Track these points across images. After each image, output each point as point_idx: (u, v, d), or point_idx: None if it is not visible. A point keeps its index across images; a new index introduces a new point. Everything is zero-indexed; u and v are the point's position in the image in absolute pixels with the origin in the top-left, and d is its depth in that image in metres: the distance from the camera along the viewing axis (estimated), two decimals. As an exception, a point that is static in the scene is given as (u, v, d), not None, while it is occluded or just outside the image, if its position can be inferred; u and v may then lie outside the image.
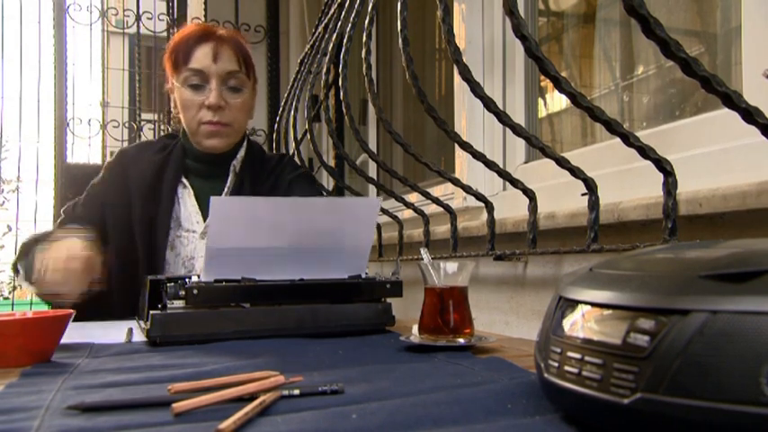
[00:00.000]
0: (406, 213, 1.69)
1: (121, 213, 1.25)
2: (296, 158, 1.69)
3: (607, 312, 0.39)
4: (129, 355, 0.74)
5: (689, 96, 1.12)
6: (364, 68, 1.24)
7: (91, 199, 1.29)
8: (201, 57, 1.24)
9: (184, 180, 1.30)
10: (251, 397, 0.49)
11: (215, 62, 1.24)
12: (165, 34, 3.02)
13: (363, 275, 0.94)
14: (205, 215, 1.27)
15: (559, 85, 0.80)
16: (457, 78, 1.60)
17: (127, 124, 3.35)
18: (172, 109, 1.34)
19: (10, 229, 3.79)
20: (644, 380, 0.34)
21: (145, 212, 1.24)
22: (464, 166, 1.50)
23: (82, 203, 1.29)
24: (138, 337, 0.89)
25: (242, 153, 1.34)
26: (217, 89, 1.24)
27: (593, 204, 0.91)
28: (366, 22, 1.24)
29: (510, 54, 1.49)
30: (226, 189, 1.31)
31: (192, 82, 1.24)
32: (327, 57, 1.51)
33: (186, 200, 1.29)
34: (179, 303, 0.84)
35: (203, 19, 2.83)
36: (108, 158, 3.70)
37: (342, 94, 1.36)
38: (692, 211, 0.80)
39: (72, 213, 1.28)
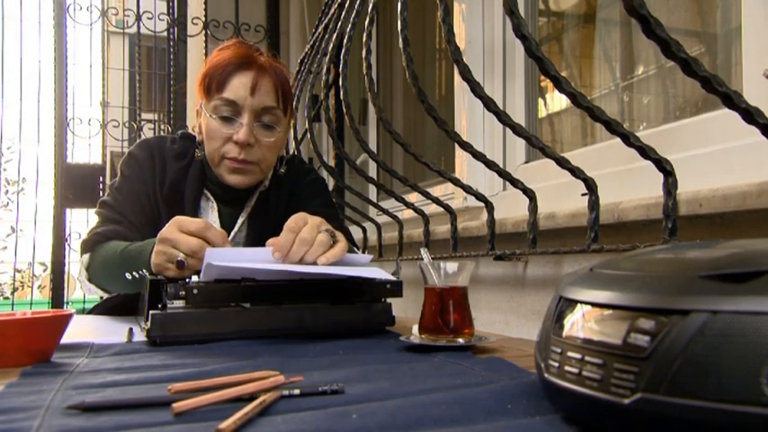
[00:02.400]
0: (406, 213, 1.69)
1: (150, 213, 1.20)
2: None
3: (607, 312, 0.39)
4: (129, 355, 0.74)
5: (689, 97, 1.12)
6: (364, 68, 1.24)
7: (128, 192, 1.21)
8: (237, 86, 1.14)
9: (207, 192, 1.25)
10: (251, 397, 0.49)
11: (252, 95, 1.14)
12: (165, 34, 3.02)
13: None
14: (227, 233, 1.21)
15: (559, 84, 0.80)
16: (457, 78, 1.60)
17: (127, 124, 3.36)
18: (196, 133, 1.25)
19: (13, 231, 3.79)
20: (644, 380, 0.34)
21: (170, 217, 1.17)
22: (464, 166, 1.50)
23: (123, 196, 1.21)
24: (139, 337, 0.89)
25: (267, 182, 1.28)
26: (248, 125, 1.14)
27: (594, 204, 0.91)
28: (366, 22, 1.24)
29: (510, 54, 1.49)
30: (248, 208, 1.26)
31: (223, 113, 1.15)
32: (327, 57, 1.51)
33: (209, 213, 1.24)
34: (179, 303, 0.84)
35: (204, 19, 2.83)
36: (107, 158, 3.62)
37: (342, 93, 1.36)
38: (693, 212, 0.80)
39: (114, 204, 1.20)
